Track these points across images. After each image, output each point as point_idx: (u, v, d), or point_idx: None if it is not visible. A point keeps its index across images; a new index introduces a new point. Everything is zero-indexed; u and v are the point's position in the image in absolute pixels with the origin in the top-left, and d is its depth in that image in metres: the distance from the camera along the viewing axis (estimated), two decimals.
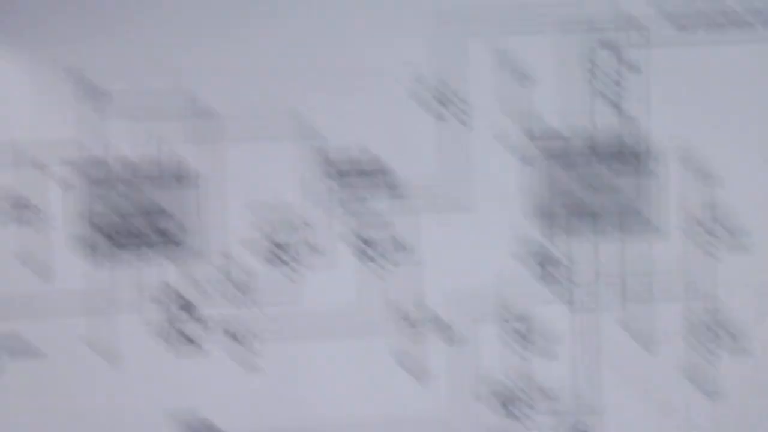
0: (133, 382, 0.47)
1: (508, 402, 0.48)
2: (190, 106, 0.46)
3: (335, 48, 0.47)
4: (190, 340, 0.47)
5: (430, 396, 0.48)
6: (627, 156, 0.47)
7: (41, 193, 0.47)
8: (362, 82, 0.47)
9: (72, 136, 0.47)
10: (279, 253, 0.47)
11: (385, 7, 0.47)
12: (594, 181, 0.47)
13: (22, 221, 0.47)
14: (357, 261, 0.47)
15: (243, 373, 0.47)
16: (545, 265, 0.48)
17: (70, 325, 0.47)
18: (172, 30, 0.46)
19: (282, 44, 0.47)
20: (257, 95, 0.46)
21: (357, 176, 0.47)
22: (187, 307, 0.47)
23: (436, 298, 0.48)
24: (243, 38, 0.47)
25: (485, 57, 0.47)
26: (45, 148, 0.46)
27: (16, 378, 0.47)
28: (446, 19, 0.47)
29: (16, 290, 0.47)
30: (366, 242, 0.47)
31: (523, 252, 0.48)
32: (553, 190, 0.47)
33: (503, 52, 0.47)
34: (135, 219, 0.47)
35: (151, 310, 0.47)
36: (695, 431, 0.48)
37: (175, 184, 0.47)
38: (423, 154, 0.47)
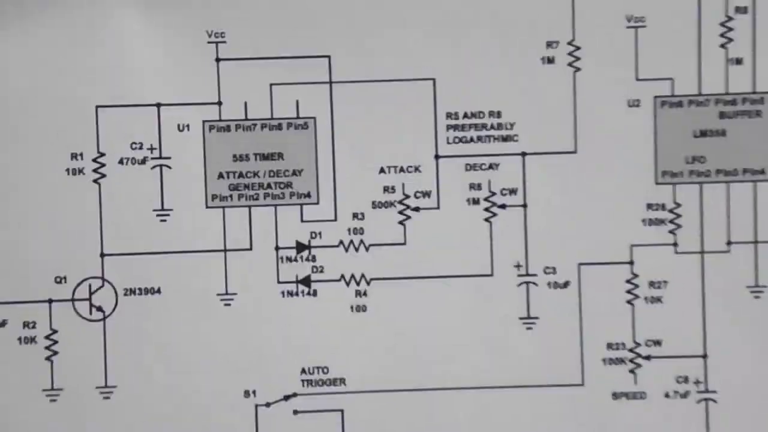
0: (244, 319, 0.48)
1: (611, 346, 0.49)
2: (325, 71, 0.48)
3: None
4: (299, 281, 0.48)
5: (534, 337, 0.48)
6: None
7: (175, 145, 0.48)
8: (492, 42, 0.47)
9: (208, 95, 0.48)
10: (388, 196, 0.48)
11: None
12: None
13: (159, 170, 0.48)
14: (464, 203, 0.48)
15: (351, 313, 0.48)
16: (650, 207, 0.48)
17: (185, 263, 0.48)
18: None
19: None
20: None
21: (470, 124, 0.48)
22: (298, 248, 0.48)
23: (541, 240, 0.48)
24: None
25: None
26: (183, 107, 0.48)
27: (130, 313, 0.48)
28: None
29: (139, 230, 0.48)
30: (473, 186, 0.48)
31: (630, 196, 0.48)
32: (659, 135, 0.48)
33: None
34: (252, 164, 0.48)
35: (262, 251, 0.48)
36: None
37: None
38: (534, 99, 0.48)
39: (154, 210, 0.48)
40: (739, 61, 0.47)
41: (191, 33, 0.48)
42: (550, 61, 0.48)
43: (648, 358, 0.49)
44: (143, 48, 0.47)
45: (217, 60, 0.48)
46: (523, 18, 0.47)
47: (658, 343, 0.48)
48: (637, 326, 0.48)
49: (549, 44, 0.47)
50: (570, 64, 0.48)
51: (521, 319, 0.49)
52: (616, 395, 0.49)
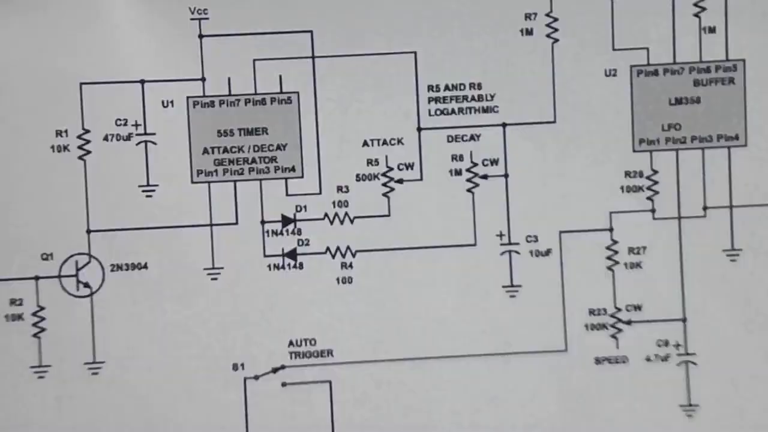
0: (231, 293, 0.48)
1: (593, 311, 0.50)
2: (307, 46, 0.48)
3: None
4: (286, 254, 0.49)
5: (517, 305, 0.49)
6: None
7: (159, 121, 0.48)
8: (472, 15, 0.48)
9: (192, 71, 0.48)
10: (371, 168, 0.49)
11: None
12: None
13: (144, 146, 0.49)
14: (447, 174, 0.49)
15: (337, 285, 0.49)
16: (628, 175, 0.49)
17: (171, 238, 0.48)
18: None
19: None
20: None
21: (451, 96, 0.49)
22: (284, 222, 0.49)
23: (522, 209, 0.49)
24: None
25: None
26: (167, 83, 0.48)
27: (117, 289, 0.48)
28: None
29: (125, 206, 0.48)
30: (455, 157, 0.49)
31: (609, 164, 0.49)
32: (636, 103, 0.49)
33: None
34: (236, 139, 0.48)
35: (248, 225, 0.49)
36: None
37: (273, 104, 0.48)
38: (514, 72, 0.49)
39: (140, 186, 0.48)
40: (712, 30, 0.49)
41: (174, 10, 0.48)
42: (529, 32, 0.49)
43: (629, 322, 0.50)
44: (127, 25, 0.48)
45: (200, 36, 0.48)
46: None
47: (638, 307, 0.49)
48: (618, 292, 0.49)
49: (527, 16, 0.48)
50: (548, 36, 0.49)
51: (504, 287, 0.49)
52: (598, 360, 0.50)
